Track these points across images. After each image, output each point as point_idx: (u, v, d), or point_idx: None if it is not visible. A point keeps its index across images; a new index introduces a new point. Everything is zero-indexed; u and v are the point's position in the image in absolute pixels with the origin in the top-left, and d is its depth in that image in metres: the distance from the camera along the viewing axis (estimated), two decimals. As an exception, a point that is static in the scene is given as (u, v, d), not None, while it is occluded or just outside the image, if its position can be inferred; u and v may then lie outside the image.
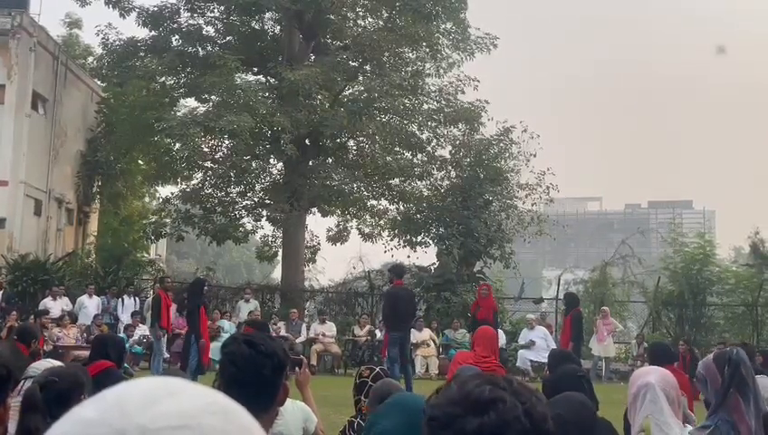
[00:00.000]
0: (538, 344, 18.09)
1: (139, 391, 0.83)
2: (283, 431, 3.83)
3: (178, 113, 22.35)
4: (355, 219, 25.14)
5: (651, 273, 23.45)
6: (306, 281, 24.19)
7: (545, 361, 17.29)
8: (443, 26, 23.86)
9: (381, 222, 24.66)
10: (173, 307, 15.54)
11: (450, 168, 23.12)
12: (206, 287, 15.02)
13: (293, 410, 4.06)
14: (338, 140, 23.12)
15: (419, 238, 22.70)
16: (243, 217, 23.77)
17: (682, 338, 17.96)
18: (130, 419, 0.79)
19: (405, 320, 12.67)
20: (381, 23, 23.62)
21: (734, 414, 3.46)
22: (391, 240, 23.49)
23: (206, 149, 22.77)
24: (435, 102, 23.88)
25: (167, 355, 15.35)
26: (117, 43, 23.63)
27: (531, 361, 17.87)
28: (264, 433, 0.92)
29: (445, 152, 23.56)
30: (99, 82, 26.27)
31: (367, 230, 24.90)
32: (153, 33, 23.56)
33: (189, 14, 23.88)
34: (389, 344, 12.31)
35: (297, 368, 4.03)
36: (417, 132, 23.29)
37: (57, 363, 4.19)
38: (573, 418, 3.21)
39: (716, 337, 20.18)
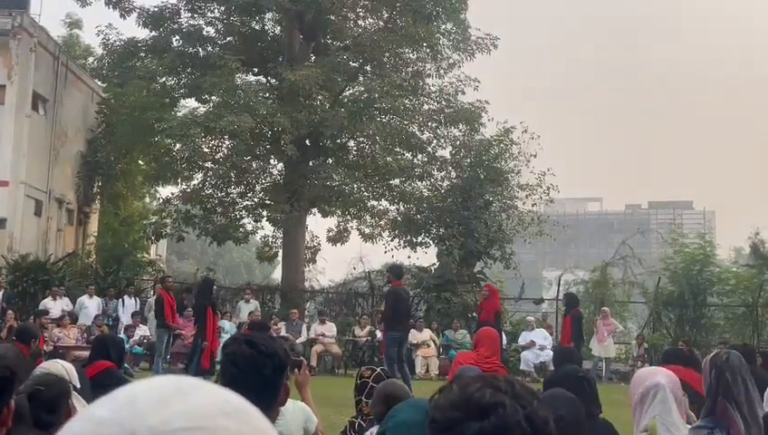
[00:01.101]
0: (538, 344, 18.11)
1: (150, 391, 0.82)
2: (284, 432, 3.83)
3: (179, 114, 22.35)
4: (355, 220, 25.12)
5: (651, 273, 23.43)
6: (306, 281, 24.15)
7: (545, 360, 17.41)
8: (443, 27, 23.86)
9: (382, 222, 24.64)
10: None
11: (450, 168, 23.13)
12: (214, 287, 15.07)
13: (294, 411, 4.05)
14: (338, 141, 23.11)
15: (420, 239, 22.70)
16: (243, 218, 23.78)
17: (682, 339, 17.94)
18: (142, 419, 0.78)
19: (404, 320, 12.77)
20: (382, 23, 23.61)
21: (723, 420, 3.52)
22: (391, 241, 23.51)
23: (206, 150, 22.75)
24: (435, 103, 23.88)
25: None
26: (117, 43, 23.62)
27: (533, 363, 17.91)
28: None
29: (445, 153, 23.60)
30: (99, 83, 26.26)
31: (367, 231, 24.88)
32: (153, 33, 23.56)
33: (190, 14, 23.88)
34: (389, 344, 12.33)
35: (296, 369, 4.03)
36: (417, 133, 23.30)
37: (66, 365, 4.19)
38: (573, 418, 3.23)
39: (717, 338, 20.15)
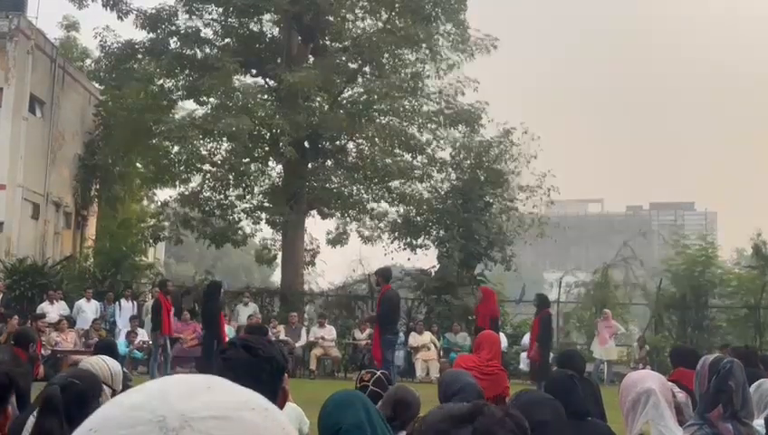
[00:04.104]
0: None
1: (180, 384, 0.88)
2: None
3: (177, 116, 22.30)
4: (355, 222, 25.03)
5: (653, 275, 23.35)
6: (306, 284, 24.06)
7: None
8: (442, 28, 23.80)
9: (381, 225, 24.56)
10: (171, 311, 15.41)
11: (450, 170, 23.05)
12: (223, 290, 14.98)
13: (289, 413, 3.98)
14: (337, 143, 23.05)
15: (419, 241, 22.62)
16: (242, 220, 23.70)
17: (684, 340, 17.86)
18: (172, 407, 0.82)
19: (396, 323, 12.82)
20: (380, 24, 23.56)
21: (714, 424, 3.65)
22: (391, 243, 23.41)
23: (204, 152, 22.69)
24: (434, 104, 23.80)
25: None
26: (115, 45, 23.51)
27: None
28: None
29: (445, 154, 23.50)
30: (97, 85, 26.18)
31: (366, 233, 24.78)
32: (151, 35, 23.46)
33: (187, 16, 23.77)
34: (387, 347, 12.25)
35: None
36: (416, 134, 23.21)
37: (114, 367, 4.18)
38: (556, 419, 3.24)
39: (719, 339, 20.05)
